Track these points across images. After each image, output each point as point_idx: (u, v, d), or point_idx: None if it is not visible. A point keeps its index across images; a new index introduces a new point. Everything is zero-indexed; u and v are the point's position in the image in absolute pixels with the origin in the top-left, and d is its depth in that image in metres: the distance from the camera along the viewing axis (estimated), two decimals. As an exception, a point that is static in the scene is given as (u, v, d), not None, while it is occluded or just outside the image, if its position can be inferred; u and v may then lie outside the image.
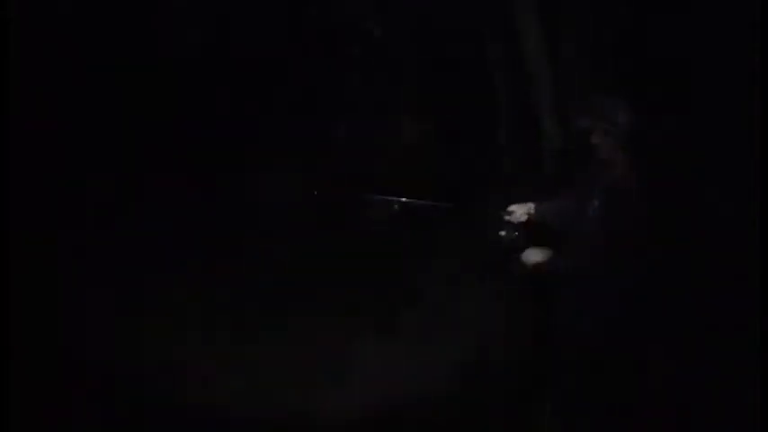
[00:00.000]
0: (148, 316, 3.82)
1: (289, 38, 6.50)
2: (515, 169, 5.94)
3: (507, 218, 2.91)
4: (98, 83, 5.09)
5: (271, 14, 6.28)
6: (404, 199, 3.09)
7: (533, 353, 3.35)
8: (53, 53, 4.80)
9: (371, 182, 5.28)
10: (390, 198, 3.12)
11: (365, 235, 4.50)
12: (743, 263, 3.00)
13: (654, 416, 2.93)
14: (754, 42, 2.86)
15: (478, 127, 6.14)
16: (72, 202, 4.53)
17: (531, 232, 2.89)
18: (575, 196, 2.82)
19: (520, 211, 2.90)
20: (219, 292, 4.08)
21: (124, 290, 4.00)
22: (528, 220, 2.90)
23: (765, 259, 2.72)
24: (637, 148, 2.66)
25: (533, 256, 2.77)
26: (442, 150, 6.31)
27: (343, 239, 4.57)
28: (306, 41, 6.60)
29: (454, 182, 5.47)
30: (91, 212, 4.56)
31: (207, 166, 5.31)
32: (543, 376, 2.97)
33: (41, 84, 4.65)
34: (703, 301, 3.23)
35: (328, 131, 6.49)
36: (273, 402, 3.28)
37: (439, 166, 6.01)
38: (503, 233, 2.89)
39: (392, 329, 3.86)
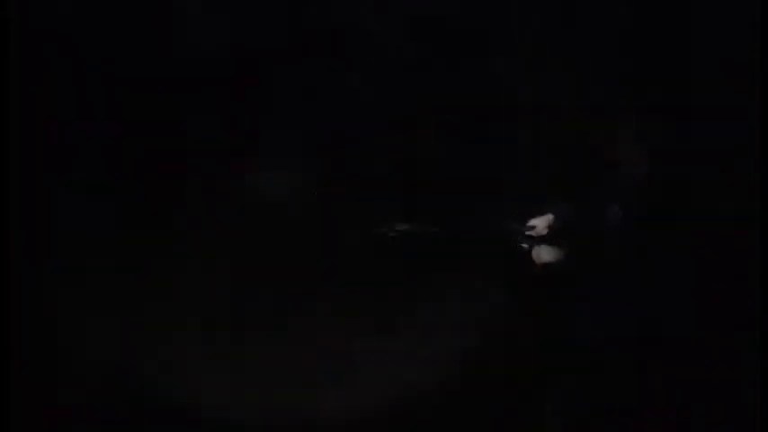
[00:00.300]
0: (148, 315, 3.82)
1: (288, 38, 6.50)
2: (527, 172, 5.93)
3: (530, 233, 2.91)
4: (97, 83, 5.09)
5: (270, 14, 6.27)
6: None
7: (534, 353, 3.35)
8: (53, 53, 4.79)
9: (375, 183, 5.29)
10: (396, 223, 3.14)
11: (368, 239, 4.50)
12: (743, 263, 3.00)
13: (654, 416, 2.92)
14: (754, 42, 2.87)
15: (488, 129, 6.13)
16: (71, 201, 4.52)
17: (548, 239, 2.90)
18: (590, 200, 2.83)
19: (542, 225, 2.90)
20: (220, 292, 4.08)
21: (124, 289, 4.00)
22: (548, 232, 2.91)
23: (765, 259, 2.72)
24: (652, 151, 2.68)
25: (545, 255, 2.78)
26: (449, 151, 6.30)
27: (346, 241, 4.57)
28: (305, 41, 6.60)
29: (464, 184, 5.47)
30: (91, 212, 4.55)
31: (206, 166, 5.30)
32: (543, 376, 2.97)
33: (41, 84, 4.65)
34: (703, 301, 3.23)
35: (329, 132, 6.49)
36: (273, 403, 3.27)
37: (447, 167, 6.00)
38: (525, 245, 2.89)
39: (393, 329, 3.85)
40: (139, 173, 4.97)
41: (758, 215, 2.81)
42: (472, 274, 4.36)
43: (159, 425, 3.13)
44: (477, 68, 6.46)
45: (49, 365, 3.32)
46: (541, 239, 2.90)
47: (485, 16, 5.73)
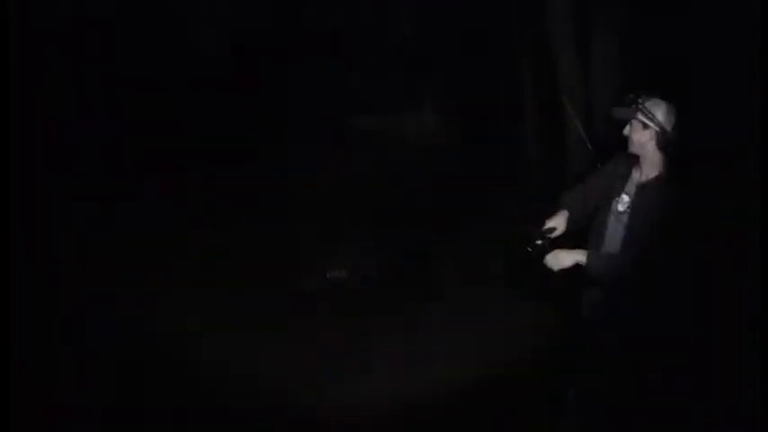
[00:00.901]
0: (166, 311, 3.83)
1: (304, 33, 6.51)
2: (542, 164, 5.95)
3: (548, 235, 2.86)
4: (97, 83, 5.09)
5: (280, 10, 6.28)
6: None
7: (549, 352, 3.37)
8: (53, 53, 4.80)
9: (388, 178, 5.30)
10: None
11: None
12: (742, 262, 3.00)
13: (655, 415, 2.93)
14: (754, 42, 2.87)
15: (505, 123, 6.16)
16: (75, 199, 4.53)
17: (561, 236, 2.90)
18: (602, 189, 2.84)
19: (561, 228, 2.87)
20: (236, 287, 4.10)
21: (127, 285, 4.01)
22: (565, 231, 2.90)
23: (766, 259, 2.72)
24: (672, 144, 2.68)
25: (563, 260, 2.75)
26: (467, 148, 6.32)
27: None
28: (323, 36, 6.62)
29: (480, 180, 5.49)
30: (95, 210, 4.56)
31: (212, 163, 5.32)
32: (558, 376, 2.98)
33: (41, 82, 4.65)
34: (703, 301, 3.23)
35: (343, 127, 6.53)
36: (288, 399, 3.27)
37: (465, 163, 6.02)
38: (539, 242, 2.86)
39: (410, 328, 3.86)
40: (139, 172, 4.98)
41: (758, 215, 2.80)
42: (488, 277, 4.38)
43: (170, 421, 3.13)
44: (484, 67, 6.48)
45: (49, 364, 3.33)
46: (559, 239, 2.89)
47: (513, 12, 5.75)
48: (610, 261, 2.73)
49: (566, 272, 2.79)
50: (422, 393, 3.36)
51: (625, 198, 2.73)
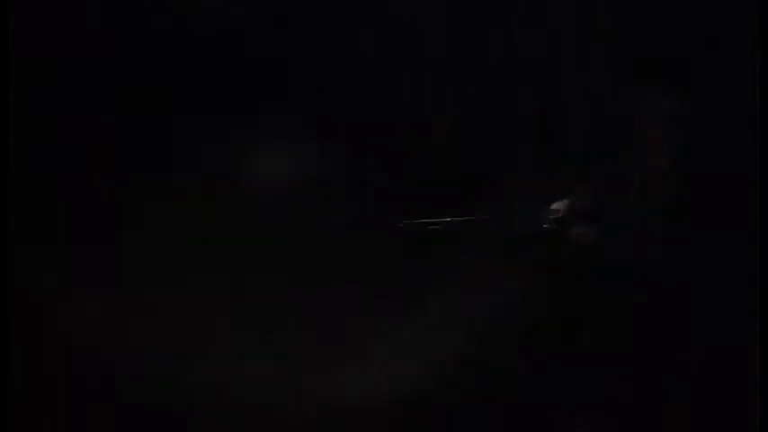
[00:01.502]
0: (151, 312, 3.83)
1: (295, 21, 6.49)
2: (544, 156, 5.94)
3: (552, 216, 2.93)
4: (99, 82, 5.09)
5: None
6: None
7: (552, 343, 3.37)
8: (53, 52, 4.79)
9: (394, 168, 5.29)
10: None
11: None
12: (742, 260, 3.01)
13: (655, 414, 2.93)
14: (754, 43, 2.87)
15: (506, 113, 6.14)
16: (81, 196, 4.53)
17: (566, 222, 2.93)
18: (608, 181, 2.86)
19: (561, 209, 2.93)
20: (238, 279, 4.10)
21: (131, 280, 4.02)
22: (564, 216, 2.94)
23: (766, 259, 2.73)
24: (678, 134, 2.69)
25: (579, 227, 2.80)
26: (469, 136, 6.30)
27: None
28: (313, 26, 6.58)
29: (482, 169, 5.47)
30: (91, 211, 4.56)
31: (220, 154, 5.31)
32: (560, 367, 2.99)
33: (41, 83, 4.65)
34: (703, 301, 3.24)
35: (352, 115, 6.51)
36: (293, 389, 3.28)
37: (465, 152, 6.01)
38: (545, 226, 2.92)
39: (413, 315, 3.86)
40: (139, 170, 4.98)
41: (758, 213, 2.81)
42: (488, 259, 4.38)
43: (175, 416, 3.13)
44: (504, 53, 6.46)
45: (48, 365, 3.33)
46: (560, 222, 2.94)
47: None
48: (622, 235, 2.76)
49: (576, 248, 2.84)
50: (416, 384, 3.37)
51: (633, 188, 2.75)
